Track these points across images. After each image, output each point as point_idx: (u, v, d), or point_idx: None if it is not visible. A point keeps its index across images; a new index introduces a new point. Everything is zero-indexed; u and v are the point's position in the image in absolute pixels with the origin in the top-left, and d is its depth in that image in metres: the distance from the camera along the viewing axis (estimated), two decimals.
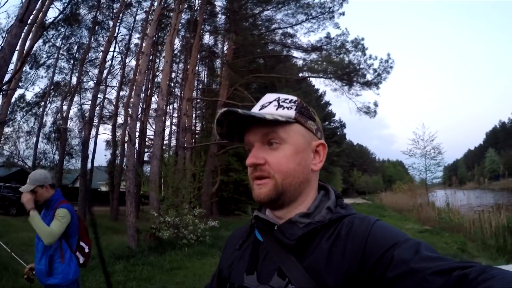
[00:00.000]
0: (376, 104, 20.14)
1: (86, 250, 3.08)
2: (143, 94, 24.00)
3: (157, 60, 24.76)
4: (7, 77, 8.03)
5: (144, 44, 19.48)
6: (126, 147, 15.31)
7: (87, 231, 3.21)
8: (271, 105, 0.83)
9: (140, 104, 24.08)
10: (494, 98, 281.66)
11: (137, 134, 21.23)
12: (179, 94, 26.98)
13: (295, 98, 0.86)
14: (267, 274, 0.78)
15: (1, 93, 8.37)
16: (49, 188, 2.97)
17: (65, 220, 2.85)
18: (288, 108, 0.82)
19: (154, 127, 23.51)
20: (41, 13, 13.72)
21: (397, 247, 0.65)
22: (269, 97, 0.86)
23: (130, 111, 19.85)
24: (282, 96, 0.86)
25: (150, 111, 25.06)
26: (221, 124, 0.80)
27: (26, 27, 8.56)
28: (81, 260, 3.05)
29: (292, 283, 0.72)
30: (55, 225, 2.80)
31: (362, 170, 73.49)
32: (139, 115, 22.37)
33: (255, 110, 0.82)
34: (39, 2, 8.15)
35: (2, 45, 7.75)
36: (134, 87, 13.15)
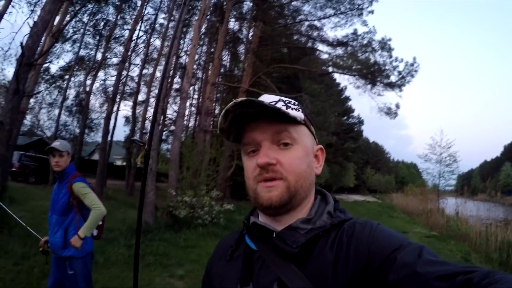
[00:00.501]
0: (397, 106, 20.16)
1: (100, 223, 3.14)
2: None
3: (181, 42, 24.97)
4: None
5: (169, 27, 19.85)
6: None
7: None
8: (279, 104, 0.80)
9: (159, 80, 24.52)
10: None
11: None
12: (200, 76, 27.27)
13: (296, 101, 0.85)
14: (265, 285, 0.75)
15: (33, 67, 8.66)
16: (70, 157, 3.11)
17: (89, 189, 3.01)
18: (296, 109, 0.81)
19: (175, 107, 23.97)
20: None
21: (400, 250, 0.64)
22: (270, 97, 0.83)
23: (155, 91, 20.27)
24: (284, 98, 0.84)
25: (171, 91, 25.34)
26: (226, 116, 0.76)
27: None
28: (95, 232, 3.16)
29: None
30: (90, 200, 2.96)
31: (376, 168, 72.98)
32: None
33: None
34: None
35: (35, 20, 8.01)
36: (182, 76, 13.44)
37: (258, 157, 0.75)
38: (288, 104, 0.80)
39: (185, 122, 27.62)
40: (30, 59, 7.27)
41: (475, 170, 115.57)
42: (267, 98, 0.81)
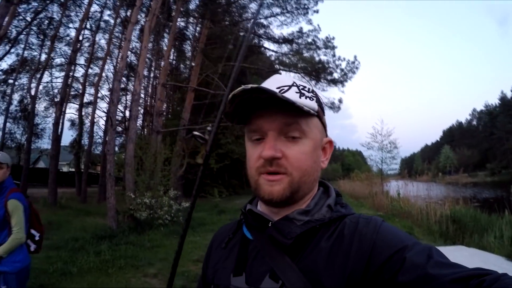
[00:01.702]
0: (340, 101, 21.62)
1: (37, 238, 3.10)
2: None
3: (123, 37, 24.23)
4: None
5: (114, 27, 19.43)
6: (98, 130, 14.97)
7: (39, 218, 3.20)
8: (292, 91, 0.75)
9: (110, 85, 23.90)
10: (454, 98, 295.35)
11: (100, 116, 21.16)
12: (146, 74, 26.79)
13: (310, 86, 0.81)
14: (258, 275, 0.74)
15: None
16: (9, 170, 2.97)
17: (21, 210, 2.89)
18: (310, 98, 0.77)
19: (120, 107, 23.45)
20: None
21: (408, 249, 0.63)
22: (283, 78, 0.79)
23: (106, 93, 19.75)
24: (298, 81, 0.79)
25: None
26: (232, 101, 0.72)
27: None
28: (32, 248, 3.10)
29: (286, 286, 0.68)
30: (16, 222, 2.84)
31: None
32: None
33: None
34: None
35: None
36: (116, 72, 13.31)
37: (263, 148, 0.72)
38: (302, 91, 0.76)
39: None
40: None
41: (417, 154, 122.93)
42: (279, 80, 0.78)
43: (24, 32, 19.57)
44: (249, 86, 0.67)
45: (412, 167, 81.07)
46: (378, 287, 0.63)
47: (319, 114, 0.78)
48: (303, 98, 0.75)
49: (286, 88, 0.75)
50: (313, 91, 0.80)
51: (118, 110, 24.02)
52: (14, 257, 2.87)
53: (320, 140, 0.80)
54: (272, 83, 0.77)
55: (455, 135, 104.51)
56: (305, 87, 0.78)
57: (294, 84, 0.77)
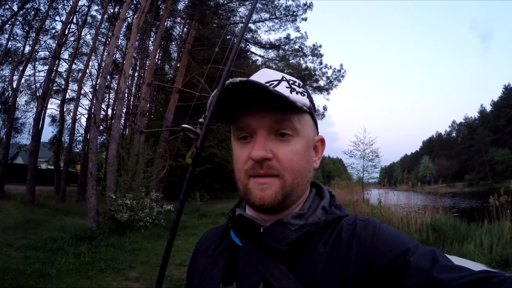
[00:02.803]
0: (325, 108, 21.94)
1: None
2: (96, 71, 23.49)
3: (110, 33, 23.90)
4: None
5: (101, 23, 19.16)
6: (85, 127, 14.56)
7: None
8: (282, 86, 0.70)
9: (93, 81, 23.53)
10: (434, 110, 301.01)
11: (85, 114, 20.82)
12: (131, 73, 26.45)
13: (300, 81, 0.77)
14: (250, 285, 0.69)
15: None
16: None
17: None
18: (301, 93, 0.72)
19: (103, 105, 23.06)
20: None
21: (411, 252, 0.61)
22: (271, 73, 0.74)
23: (89, 90, 19.42)
24: (287, 76, 0.75)
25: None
26: (220, 97, 0.63)
27: None
28: None
29: None
30: None
31: None
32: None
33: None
34: None
35: None
36: (101, 68, 13.11)
37: (252, 149, 0.67)
38: (293, 86, 0.72)
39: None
40: None
41: (396, 163, 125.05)
42: (268, 75, 0.73)
43: (9, 22, 19.00)
44: (238, 79, 0.62)
45: (392, 176, 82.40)
46: None
47: (311, 111, 0.73)
48: (294, 93, 0.70)
49: (275, 82, 0.70)
50: (303, 86, 0.75)
51: (101, 108, 23.72)
52: None
53: (312, 138, 0.76)
54: (260, 78, 0.71)
55: (434, 146, 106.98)
56: (295, 81, 0.74)
57: (284, 79, 0.72)
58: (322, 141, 0.80)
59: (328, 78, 19.25)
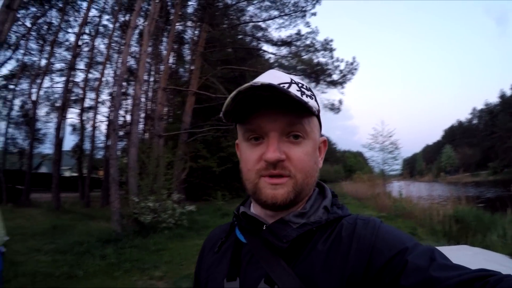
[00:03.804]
0: (340, 102, 21.71)
1: (6, 238, 3.24)
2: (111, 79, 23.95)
3: (123, 42, 24.27)
4: None
5: (113, 31, 19.50)
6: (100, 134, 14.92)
7: None
8: (293, 89, 0.72)
9: (113, 88, 23.98)
10: (454, 97, 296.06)
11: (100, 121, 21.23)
12: (146, 78, 26.77)
13: (307, 84, 0.79)
14: (252, 280, 0.71)
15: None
16: None
17: (0, 214, 3.05)
18: (310, 96, 0.74)
19: (121, 111, 23.46)
20: None
21: (409, 251, 0.62)
22: (281, 75, 0.75)
23: (107, 98, 19.82)
24: (295, 78, 0.77)
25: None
26: (235, 98, 0.66)
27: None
28: (2, 249, 3.20)
29: None
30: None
31: (324, 159, 75.28)
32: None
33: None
34: None
35: None
36: (116, 78, 13.39)
37: (267, 151, 0.69)
38: (303, 90, 0.74)
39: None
40: None
41: (418, 154, 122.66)
42: (277, 77, 0.74)
43: (24, 38, 19.63)
44: (259, 82, 0.63)
45: (414, 167, 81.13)
46: None
47: (318, 114, 0.76)
48: (304, 96, 0.71)
49: (286, 85, 0.72)
50: (310, 89, 0.77)
51: (119, 114, 24.12)
52: None
53: (318, 140, 0.78)
54: (270, 79, 0.72)
55: (456, 135, 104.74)
56: (303, 84, 0.76)
57: (293, 81, 0.74)
58: (324, 142, 0.83)
59: (341, 71, 19.14)
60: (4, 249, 3.17)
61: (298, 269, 0.67)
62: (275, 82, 0.69)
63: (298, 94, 0.70)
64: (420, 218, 11.71)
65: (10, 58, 19.49)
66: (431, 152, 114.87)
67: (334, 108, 21.68)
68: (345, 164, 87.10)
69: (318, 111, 0.75)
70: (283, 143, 0.70)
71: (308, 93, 0.74)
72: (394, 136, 22.36)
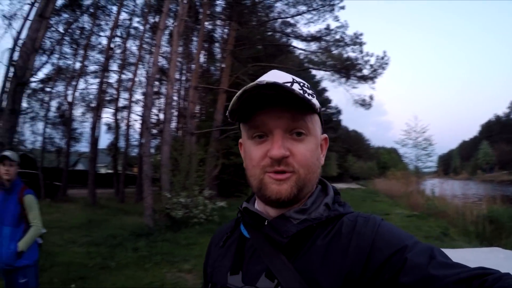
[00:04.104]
0: (371, 98, 21.32)
1: (44, 231, 3.28)
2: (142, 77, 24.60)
3: (154, 42, 24.75)
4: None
5: (144, 33, 19.96)
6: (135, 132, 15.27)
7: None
8: (295, 87, 0.73)
9: (145, 88, 24.62)
10: (491, 92, 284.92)
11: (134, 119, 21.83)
12: (178, 77, 27.25)
13: (306, 82, 0.80)
14: (254, 274, 0.73)
15: (25, 86, 8.72)
16: (17, 168, 3.15)
17: (37, 205, 3.13)
18: (311, 95, 0.75)
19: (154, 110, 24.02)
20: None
21: (408, 249, 0.62)
22: (283, 75, 0.77)
23: (140, 97, 20.39)
24: (296, 78, 0.78)
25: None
26: (241, 97, 0.69)
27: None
28: (40, 241, 3.27)
29: (282, 285, 0.67)
30: (34, 216, 3.09)
31: (357, 156, 73.98)
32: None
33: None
34: None
35: (24, 40, 8.13)
36: (148, 78, 13.80)
37: (272, 148, 0.71)
38: (304, 88, 0.75)
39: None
40: (22, 79, 7.51)
41: (454, 151, 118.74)
42: (280, 76, 0.76)
43: (58, 43, 20.50)
44: (265, 81, 0.66)
45: (450, 164, 78.50)
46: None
47: (319, 112, 0.77)
48: (306, 95, 0.72)
49: (289, 84, 0.73)
50: (311, 88, 0.78)
51: (152, 113, 24.68)
52: (33, 251, 3.09)
53: (319, 137, 0.80)
54: (273, 79, 0.73)
55: (493, 130, 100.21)
56: (304, 83, 0.77)
57: (295, 81, 0.76)
58: (325, 139, 0.84)
59: (371, 66, 18.73)
60: (41, 240, 3.30)
61: (297, 264, 0.69)
62: (280, 81, 0.71)
63: (300, 92, 0.70)
64: (453, 218, 11.39)
65: (46, 63, 20.28)
66: (468, 149, 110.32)
67: (365, 104, 21.31)
68: (379, 160, 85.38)
69: (320, 108, 0.76)
70: (287, 140, 0.72)
71: (310, 91, 0.76)
72: (428, 131, 21.84)
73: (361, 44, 18.39)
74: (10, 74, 7.60)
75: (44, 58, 20.27)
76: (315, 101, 0.73)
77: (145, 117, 11.10)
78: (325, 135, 0.84)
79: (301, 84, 0.76)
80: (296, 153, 0.71)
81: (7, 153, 3.13)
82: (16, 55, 7.89)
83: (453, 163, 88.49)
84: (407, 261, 0.60)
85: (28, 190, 3.14)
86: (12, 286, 3.01)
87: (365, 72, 19.02)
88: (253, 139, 0.75)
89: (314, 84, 38.52)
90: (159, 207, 10.47)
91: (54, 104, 22.61)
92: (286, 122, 0.71)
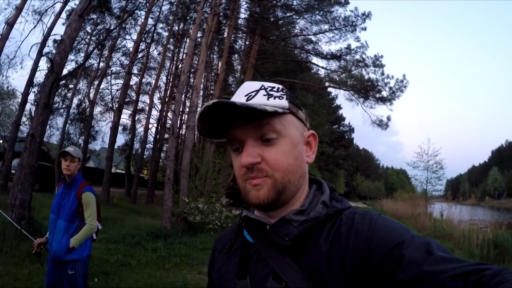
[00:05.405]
0: (389, 119, 21.42)
1: (100, 227, 3.40)
2: (163, 84, 25.07)
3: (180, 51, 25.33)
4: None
5: (168, 39, 20.36)
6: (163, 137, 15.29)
7: (100, 211, 3.42)
8: (259, 95, 0.75)
9: (161, 94, 25.15)
10: (503, 117, 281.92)
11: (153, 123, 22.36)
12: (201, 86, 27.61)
13: (280, 86, 0.81)
14: (261, 278, 0.74)
15: (61, 82, 9.03)
16: (80, 164, 3.19)
17: (94, 203, 3.15)
18: (279, 97, 0.76)
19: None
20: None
21: (405, 245, 0.62)
22: (251, 85, 0.78)
23: (163, 103, 20.82)
24: (266, 84, 0.79)
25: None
26: (203, 119, 0.72)
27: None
28: (94, 237, 3.36)
29: (289, 286, 0.68)
30: (89, 214, 3.11)
31: (366, 175, 73.77)
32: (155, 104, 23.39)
33: (240, 100, 0.73)
34: None
35: (62, 37, 8.50)
36: (177, 86, 14.20)
37: (241, 157, 0.73)
38: (270, 92, 0.76)
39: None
40: (59, 75, 7.77)
41: (463, 175, 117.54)
42: (247, 88, 0.77)
43: (84, 42, 21.15)
44: (211, 102, 0.67)
45: (458, 189, 77.64)
46: (378, 285, 0.62)
47: (292, 110, 0.76)
48: (271, 99, 0.74)
49: (253, 93, 0.75)
50: (282, 90, 0.79)
51: (170, 119, 25.07)
52: (83, 247, 3.14)
53: (300, 135, 0.78)
54: (241, 93, 0.77)
55: (504, 156, 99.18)
56: (273, 87, 0.78)
57: (262, 88, 0.76)
58: (313, 135, 0.83)
59: (390, 88, 18.94)
60: (96, 236, 3.41)
61: (303, 264, 0.70)
62: (244, 93, 0.76)
63: (264, 98, 0.74)
64: (458, 241, 11.50)
65: (74, 61, 20.85)
66: (477, 174, 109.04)
67: (382, 125, 21.45)
68: (387, 181, 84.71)
69: (290, 108, 0.76)
70: (258, 147, 0.73)
71: (278, 94, 0.76)
72: (440, 155, 21.94)
73: (381, 66, 18.67)
74: (40, 69, 7.73)
75: (72, 56, 20.93)
76: (281, 102, 0.75)
77: (173, 123, 11.54)
78: (311, 131, 0.83)
79: (269, 89, 0.77)
80: (267, 159, 0.72)
81: (69, 148, 3.15)
82: (45, 51, 8.01)
83: (462, 187, 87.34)
84: (404, 257, 0.60)
85: (88, 187, 3.17)
86: (59, 276, 3.09)
87: (384, 93, 19.28)
88: (234, 151, 0.77)
89: (329, 101, 38.56)
90: (176, 211, 10.75)
91: (75, 101, 23.12)
92: (252, 131, 0.72)
